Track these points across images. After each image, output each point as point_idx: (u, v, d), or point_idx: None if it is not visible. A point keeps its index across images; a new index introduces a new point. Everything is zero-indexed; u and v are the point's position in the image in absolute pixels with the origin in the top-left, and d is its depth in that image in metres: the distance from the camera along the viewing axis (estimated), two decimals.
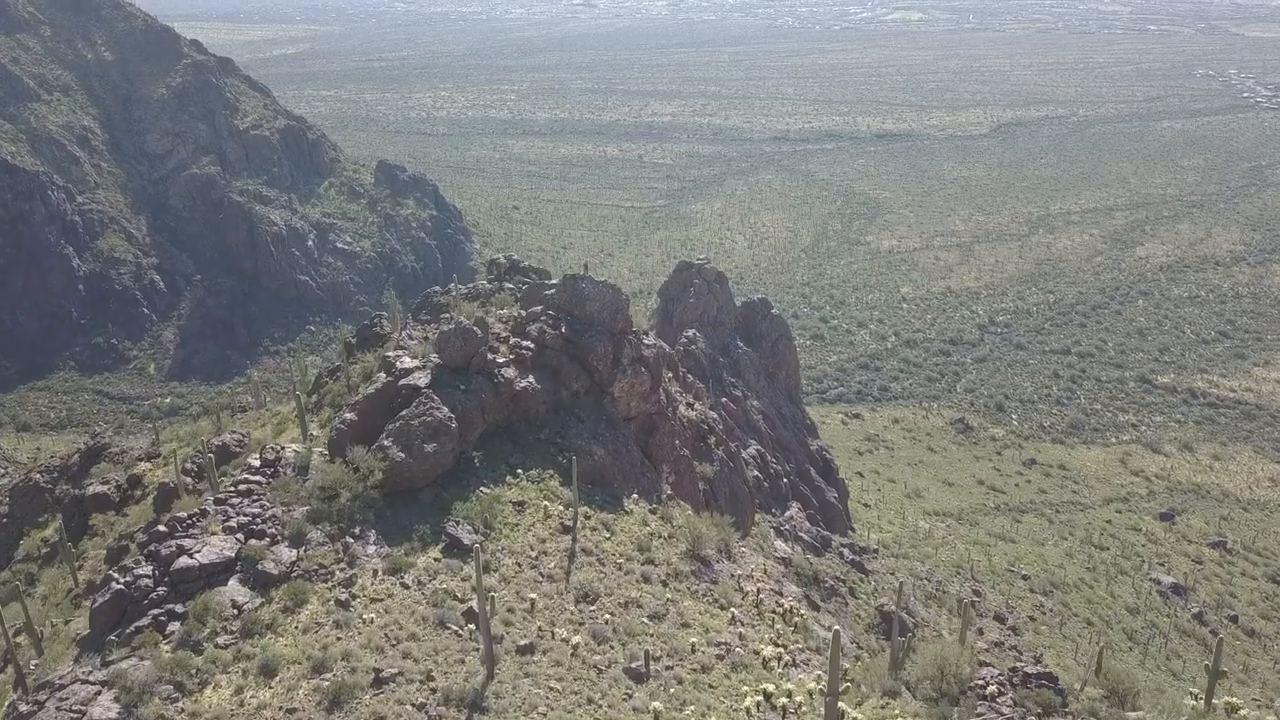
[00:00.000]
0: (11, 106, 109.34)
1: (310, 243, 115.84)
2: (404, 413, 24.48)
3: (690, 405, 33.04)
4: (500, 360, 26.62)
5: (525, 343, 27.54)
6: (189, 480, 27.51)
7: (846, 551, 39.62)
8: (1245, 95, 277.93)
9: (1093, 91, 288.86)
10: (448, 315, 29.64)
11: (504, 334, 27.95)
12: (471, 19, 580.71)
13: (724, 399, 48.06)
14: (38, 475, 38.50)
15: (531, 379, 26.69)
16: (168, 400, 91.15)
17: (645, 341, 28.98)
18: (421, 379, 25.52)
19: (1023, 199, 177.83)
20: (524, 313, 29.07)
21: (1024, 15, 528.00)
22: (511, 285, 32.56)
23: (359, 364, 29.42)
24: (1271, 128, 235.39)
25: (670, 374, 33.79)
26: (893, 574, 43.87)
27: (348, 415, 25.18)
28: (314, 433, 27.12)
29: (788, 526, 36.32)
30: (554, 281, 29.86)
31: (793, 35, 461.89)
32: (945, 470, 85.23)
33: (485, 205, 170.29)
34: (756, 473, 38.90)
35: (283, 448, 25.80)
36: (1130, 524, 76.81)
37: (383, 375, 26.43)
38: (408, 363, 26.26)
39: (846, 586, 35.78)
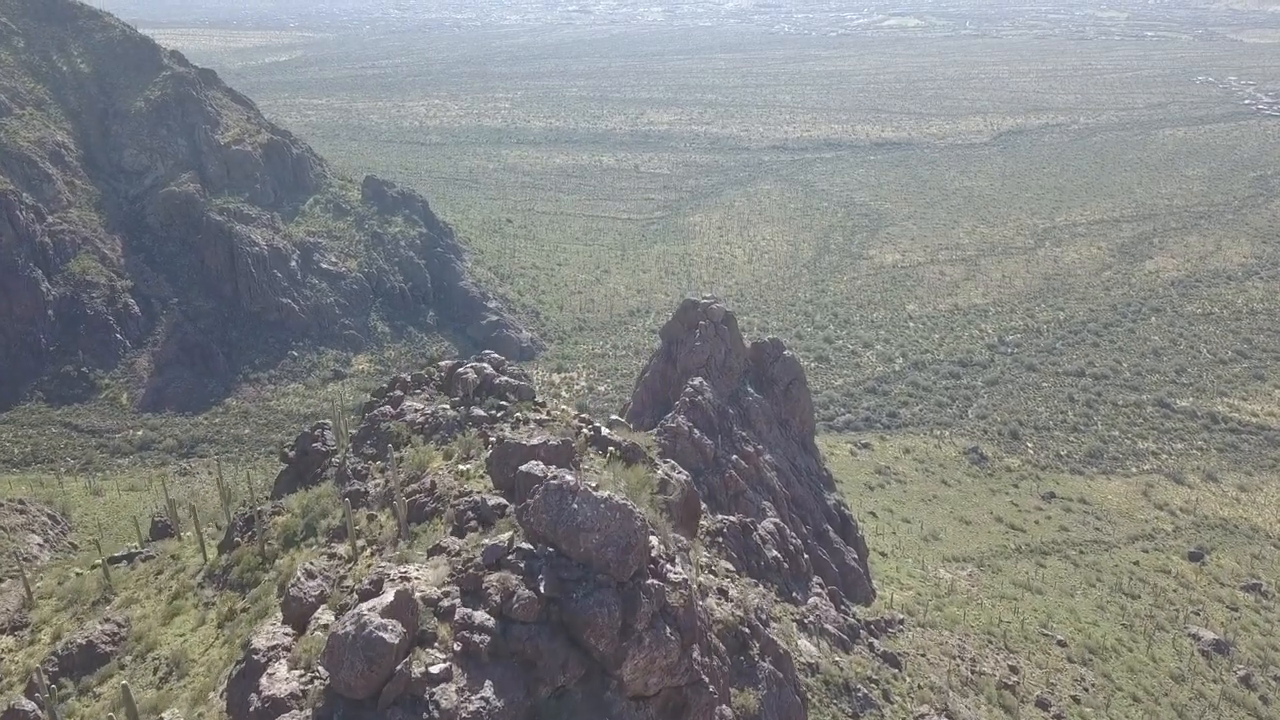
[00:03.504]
0: None
1: (293, 263, 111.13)
2: None
3: (723, 594, 23.30)
4: (435, 669, 15.22)
5: (479, 617, 15.96)
6: None
7: (876, 642, 35.34)
8: (1246, 102, 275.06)
9: (1093, 99, 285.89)
10: (399, 456, 21.88)
11: (443, 598, 16.63)
12: (466, 26, 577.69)
13: (734, 455, 43.69)
14: None
15: (488, 692, 15.19)
16: (140, 433, 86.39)
17: (671, 574, 17.53)
18: None
19: (1027, 210, 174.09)
20: (484, 517, 18.61)
21: (1021, 21, 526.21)
22: (483, 412, 24.38)
23: (283, 515, 21.86)
24: (1275, 135, 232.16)
25: (703, 548, 23.98)
26: (924, 655, 39.51)
27: None
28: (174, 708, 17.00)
29: (811, 619, 32.07)
30: (536, 438, 19.73)
31: (789, 42, 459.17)
32: (961, 506, 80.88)
33: (478, 218, 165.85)
34: (776, 552, 34.63)
35: None
36: (1159, 565, 72.53)
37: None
38: (280, 683, 14.90)
39: (880, 690, 31.50)
